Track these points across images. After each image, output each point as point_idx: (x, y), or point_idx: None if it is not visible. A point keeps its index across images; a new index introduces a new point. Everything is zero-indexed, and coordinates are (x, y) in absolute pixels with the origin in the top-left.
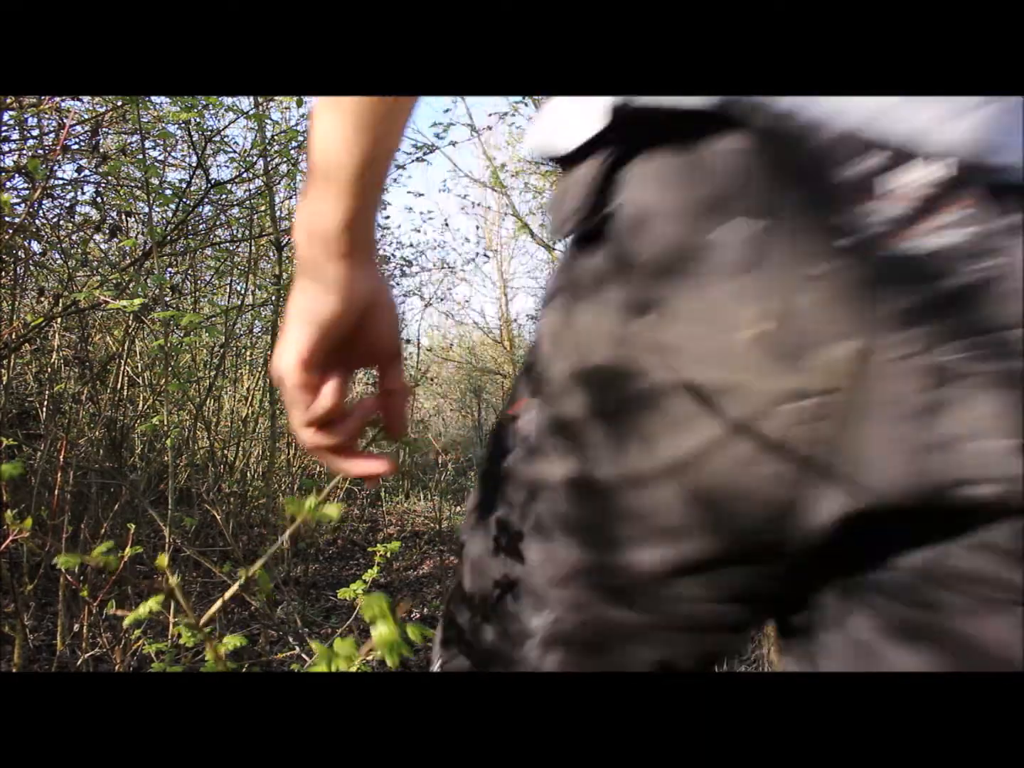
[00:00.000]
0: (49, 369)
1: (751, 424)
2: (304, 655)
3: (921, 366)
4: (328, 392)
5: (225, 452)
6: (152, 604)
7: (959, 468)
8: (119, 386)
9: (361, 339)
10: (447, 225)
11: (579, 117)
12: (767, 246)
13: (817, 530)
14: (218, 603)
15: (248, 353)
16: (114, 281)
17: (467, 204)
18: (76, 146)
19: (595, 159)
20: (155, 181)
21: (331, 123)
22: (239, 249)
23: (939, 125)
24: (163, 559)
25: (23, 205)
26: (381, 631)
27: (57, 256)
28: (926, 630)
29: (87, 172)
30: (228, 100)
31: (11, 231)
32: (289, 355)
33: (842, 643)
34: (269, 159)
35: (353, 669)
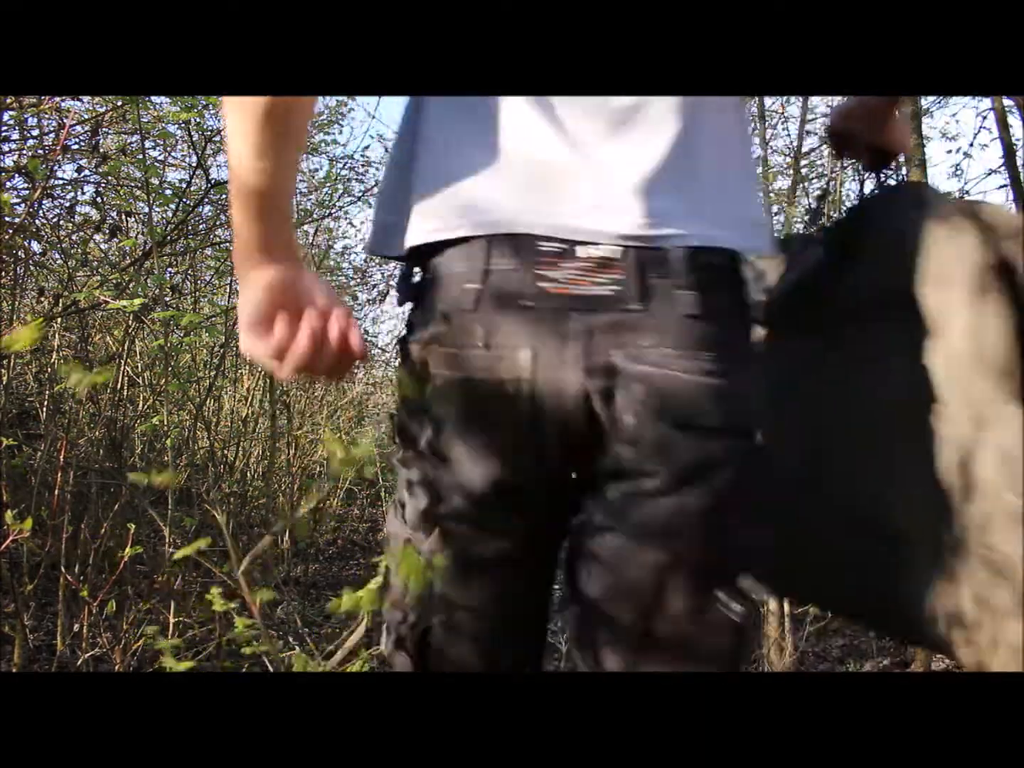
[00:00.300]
0: (49, 369)
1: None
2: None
3: (596, 364)
4: (275, 338)
5: (225, 452)
6: (201, 543)
7: (616, 435)
8: (119, 386)
9: (302, 300)
10: None
11: (400, 237)
12: (489, 295)
13: (542, 463)
14: (264, 540)
15: None
16: (114, 281)
17: None
18: (76, 146)
19: (412, 263)
20: (155, 181)
21: (235, 159)
22: None
23: (612, 223)
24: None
25: (23, 205)
26: (408, 560)
27: (57, 256)
28: (601, 554)
29: (87, 172)
30: None
31: (11, 231)
32: (240, 331)
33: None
34: None
35: (360, 665)
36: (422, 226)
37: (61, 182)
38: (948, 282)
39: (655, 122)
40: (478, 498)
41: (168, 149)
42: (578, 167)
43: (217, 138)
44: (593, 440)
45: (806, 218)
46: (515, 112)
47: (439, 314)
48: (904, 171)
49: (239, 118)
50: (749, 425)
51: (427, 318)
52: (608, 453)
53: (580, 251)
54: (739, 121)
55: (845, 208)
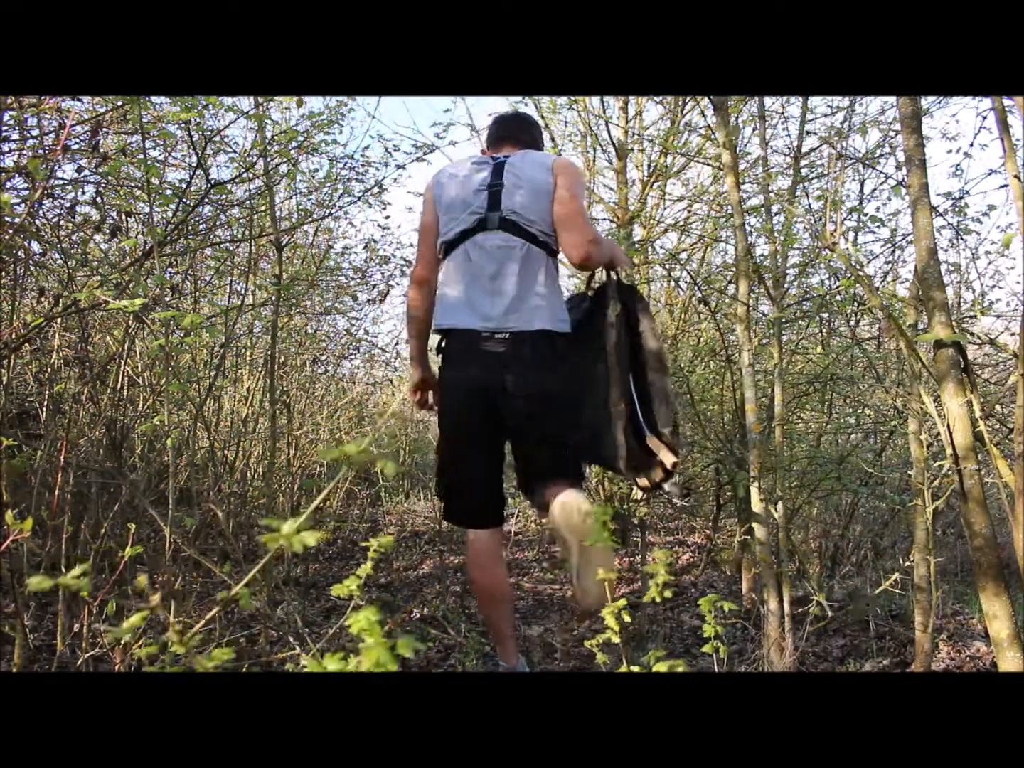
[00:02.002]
0: (49, 369)
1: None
2: (305, 656)
3: (498, 378)
4: (418, 396)
5: (225, 452)
6: (136, 620)
7: (505, 401)
8: (119, 386)
9: (426, 383)
10: None
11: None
12: (467, 352)
13: (494, 410)
14: (220, 601)
15: (248, 353)
16: (114, 281)
17: None
18: (76, 146)
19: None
20: (155, 181)
21: (407, 334)
22: (239, 249)
23: (500, 325)
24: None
25: (23, 205)
26: (369, 648)
27: (57, 256)
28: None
29: (87, 172)
30: (228, 100)
31: (11, 231)
32: (408, 389)
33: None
34: (269, 159)
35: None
36: (439, 319)
37: (61, 182)
38: (608, 322)
39: (507, 282)
40: (463, 422)
41: (168, 149)
42: (485, 310)
43: (217, 138)
44: (499, 403)
45: (587, 288)
46: (460, 281)
47: (448, 356)
48: (904, 171)
49: (407, 323)
50: (546, 393)
51: (443, 358)
52: (506, 409)
53: (495, 335)
54: (549, 271)
55: (835, 206)
